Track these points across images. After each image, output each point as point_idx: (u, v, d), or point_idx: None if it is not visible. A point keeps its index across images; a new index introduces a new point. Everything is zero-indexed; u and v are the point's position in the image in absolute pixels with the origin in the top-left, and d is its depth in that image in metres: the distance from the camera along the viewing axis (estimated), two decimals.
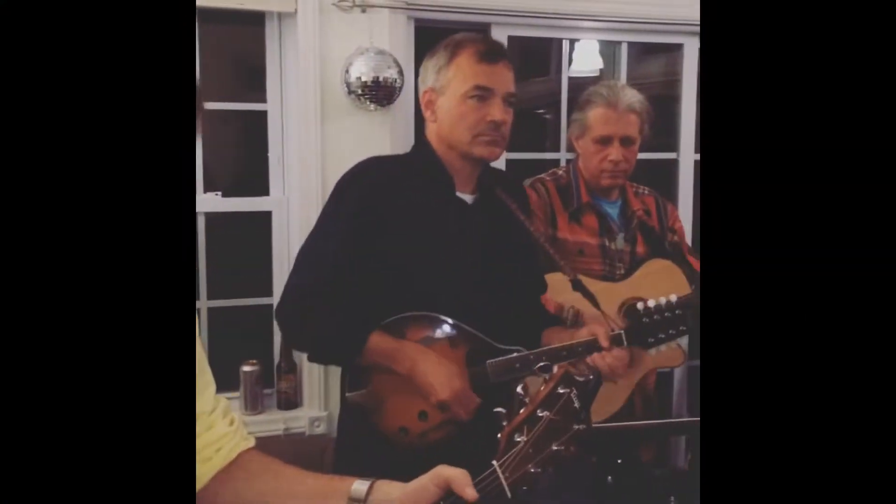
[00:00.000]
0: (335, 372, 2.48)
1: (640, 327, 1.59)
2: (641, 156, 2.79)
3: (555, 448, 1.00)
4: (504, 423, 1.02)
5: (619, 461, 1.55)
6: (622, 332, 1.57)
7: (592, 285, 1.96)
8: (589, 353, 1.55)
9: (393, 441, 1.53)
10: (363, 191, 1.55)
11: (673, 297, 1.56)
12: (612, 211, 2.13)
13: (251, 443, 1.24)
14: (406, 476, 1.30)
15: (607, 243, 2.09)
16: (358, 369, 1.55)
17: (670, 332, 1.60)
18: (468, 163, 1.58)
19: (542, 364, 1.16)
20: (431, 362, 1.49)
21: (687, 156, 2.94)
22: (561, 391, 1.02)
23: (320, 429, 2.47)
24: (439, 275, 1.54)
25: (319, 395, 2.48)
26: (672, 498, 1.56)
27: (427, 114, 1.61)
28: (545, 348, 1.56)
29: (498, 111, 1.54)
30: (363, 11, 2.35)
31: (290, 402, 2.49)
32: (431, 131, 1.62)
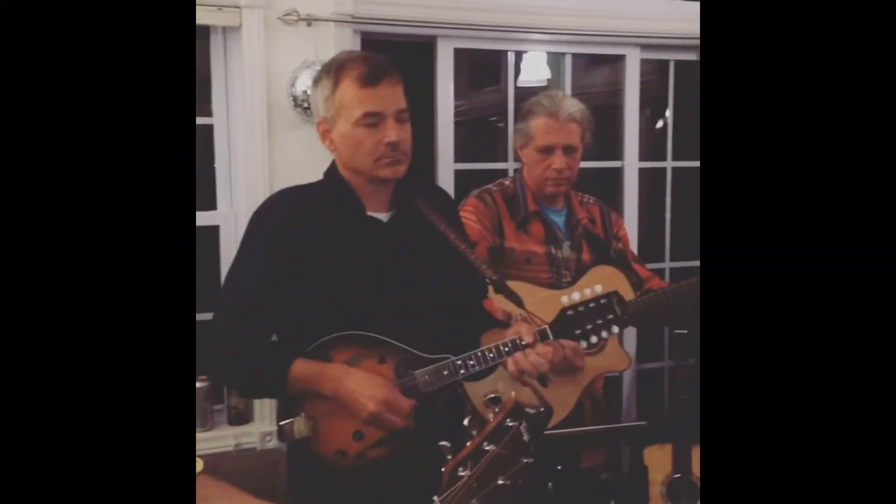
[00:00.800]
0: None
1: (565, 320, 1.57)
2: (587, 165, 2.86)
3: (500, 482, 0.99)
4: (448, 458, 1.01)
5: (559, 467, 1.57)
6: (546, 327, 1.57)
7: (539, 293, 2.01)
8: (517, 351, 1.54)
9: (333, 465, 1.53)
10: (276, 223, 1.57)
11: (597, 288, 1.56)
12: (558, 219, 2.17)
13: (200, 466, 1.22)
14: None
15: (553, 251, 2.12)
16: (288, 398, 1.55)
17: (597, 322, 1.57)
18: (376, 184, 1.60)
19: (491, 396, 1.15)
20: (355, 379, 1.50)
21: (631, 164, 3.00)
22: (509, 423, 1.01)
23: (272, 443, 2.45)
24: (362, 295, 1.54)
25: (270, 410, 2.46)
26: (612, 502, 1.59)
27: (326, 144, 1.62)
28: (471, 353, 1.56)
29: (392, 132, 1.54)
30: (309, 25, 2.36)
31: (241, 417, 2.47)
32: (337, 159, 1.64)
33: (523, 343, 1.53)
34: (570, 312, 1.57)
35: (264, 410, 2.46)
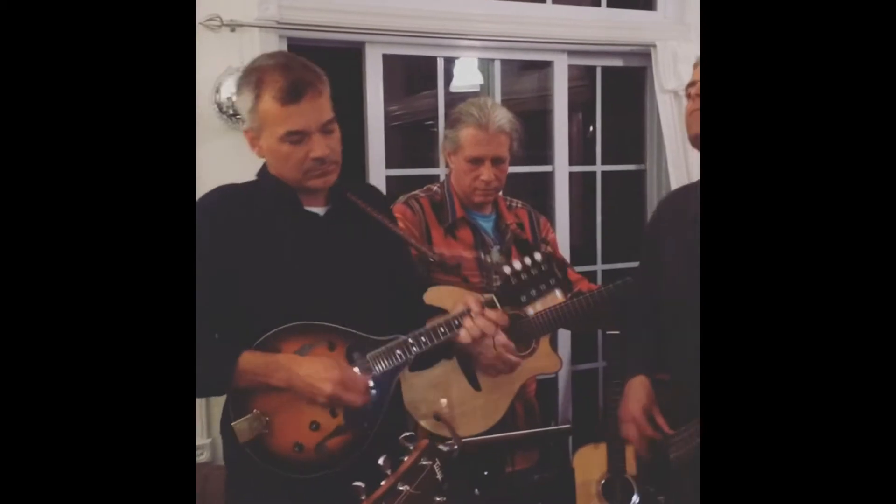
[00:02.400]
0: (217, 399, 2.42)
1: (510, 288, 1.59)
2: (519, 169, 2.89)
3: None
4: (362, 498, 1.00)
5: (485, 473, 1.57)
6: (493, 295, 1.60)
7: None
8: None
9: (290, 461, 1.51)
10: (214, 221, 1.53)
11: (537, 256, 1.58)
12: (487, 225, 2.18)
13: None
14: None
15: (483, 256, 2.13)
16: (239, 395, 1.52)
17: (541, 287, 1.60)
18: (307, 191, 1.60)
19: (406, 434, 1.16)
20: (307, 364, 1.49)
21: (562, 168, 3.04)
22: (424, 463, 1.01)
23: (203, 457, 2.40)
24: (305, 286, 1.54)
25: (201, 423, 2.42)
26: None
27: (255, 151, 1.59)
28: (422, 329, 1.57)
29: (317, 147, 1.52)
30: (232, 31, 2.33)
31: None
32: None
33: (472, 313, 1.56)
34: (513, 281, 1.59)
35: (195, 423, 2.41)
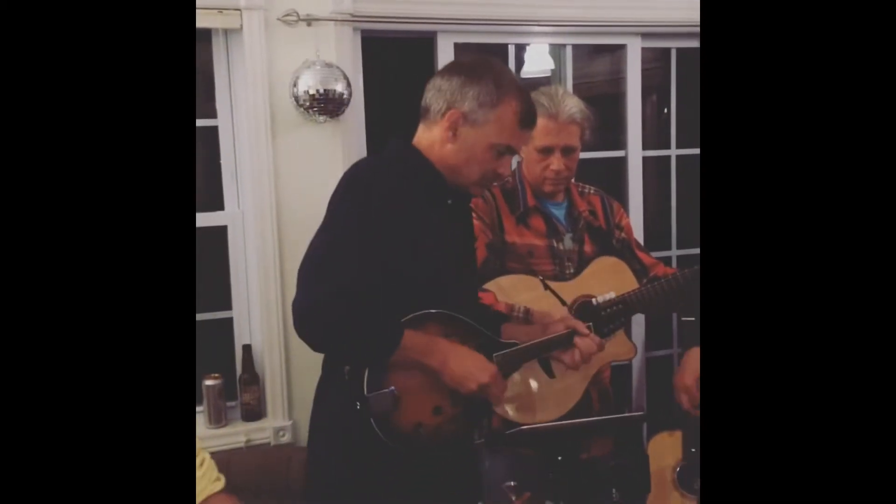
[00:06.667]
0: (298, 381, 2.51)
1: (599, 320, 1.81)
2: (591, 155, 2.87)
3: None
4: (512, 498, 1.04)
5: (559, 458, 1.60)
6: (590, 323, 1.77)
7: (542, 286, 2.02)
8: (570, 342, 1.74)
9: (408, 438, 1.58)
10: (366, 199, 1.55)
11: (611, 294, 1.78)
12: (559, 212, 2.17)
13: (220, 486, 1.23)
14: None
15: (555, 244, 2.13)
16: (378, 369, 1.57)
17: (617, 322, 1.84)
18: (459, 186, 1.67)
19: (509, 484, 1.29)
20: (462, 354, 1.59)
21: (635, 153, 3.00)
22: None
23: (285, 438, 2.49)
24: (434, 274, 1.60)
25: (283, 405, 2.50)
26: (614, 490, 1.61)
27: (447, 133, 1.60)
28: (538, 341, 1.72)
29: (507, 168, 1.65)
30: (309, 25, 2.38)
31: (254, 413, 2.52)
32: (434, 143, 1.63)
33: (580, 333, 1.73)
34: (603, 313, 1.82)
35: (277, 406, 2.50)
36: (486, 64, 1.64)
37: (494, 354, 1.66)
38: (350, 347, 1.55)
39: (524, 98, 1.61)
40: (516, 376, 2.01)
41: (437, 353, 1.57)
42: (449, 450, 1.63)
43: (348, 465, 1.60)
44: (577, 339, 1.73)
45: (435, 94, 1.62)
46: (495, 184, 2.16)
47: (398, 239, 1.55)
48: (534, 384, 2.02)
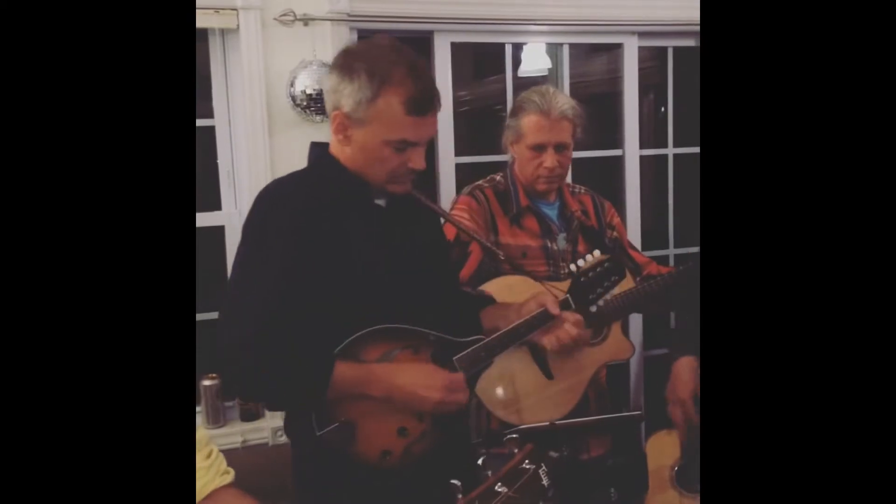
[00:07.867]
0: None
1: (580, 287, 1.64)
2: (588, 154, 2.87)
3: None
4: (459, 496, 0.97)
5: (557, 456, 1.59)
6: (567, 296, 1.63)
7: (538, 286, 2.01)
8: (544, 324, 1.58)
9: (378, 467, 1.47)
10: (283, 217, 1.45)
11: (596, 253, 1.63)
12: (551, 213, 2.17)
13: (228, 479, 1.22)
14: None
15: (549, 244, 2.13)
16: (325, 405, 1.44)
17: (605, 284, 1.66)
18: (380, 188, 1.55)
19: (511, 436, 1.12)
20: (406, 373, 1.45)
21: (632, 152, 3.00)
22: (527, 466, 0.97)
23: (283, 438, 2.49)
24: (377, 286, 1.48)
25: None
26: (612, 489, 1.62)
27: (338, 137, 1.50)
28: (504, 331, 1.56)
29: (419, 160, 1.49)
30: (305, 25, 2.38)
31: (252, 413, 2.51)
32: (340, 150, 1.52)
33: (552, 314, 1.56)
34: (583, 279, 1.65)
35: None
36: (361, 53, 1.49)
37: (455, 358, 1.52)
38: (276, 393, 1.44)
39: (409, 83, 1.43)
40: (516, 377, 2.01)
41: (375, 383, 1.43)
42: (438, 460, 1.48)
43: (358, 473, 1.49)
44: (557, 331, 1.57)
45: (326, 95, 1.52)
46: (485, 185, 2.16)
47: (325, 252, 1.43)
48: (534, 385, 2.02)
